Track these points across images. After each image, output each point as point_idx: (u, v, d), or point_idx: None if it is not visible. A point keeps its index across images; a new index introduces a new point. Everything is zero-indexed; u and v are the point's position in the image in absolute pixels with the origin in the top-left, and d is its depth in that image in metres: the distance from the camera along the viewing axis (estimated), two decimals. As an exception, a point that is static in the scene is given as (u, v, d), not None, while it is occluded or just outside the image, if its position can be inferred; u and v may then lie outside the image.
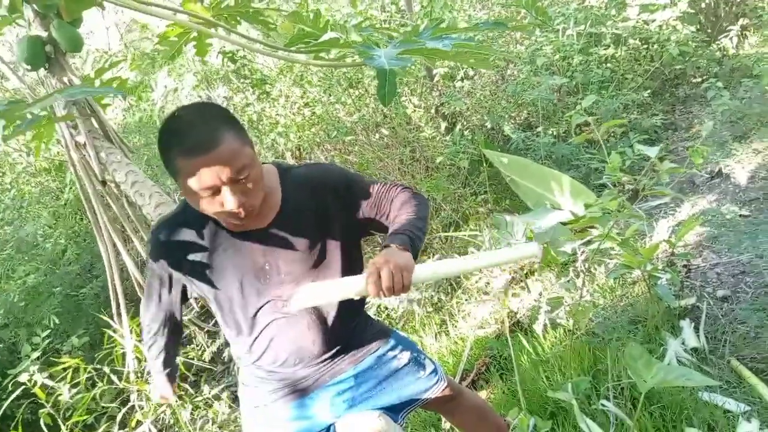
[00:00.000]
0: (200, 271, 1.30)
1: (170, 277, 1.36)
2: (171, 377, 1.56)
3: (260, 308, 1.31)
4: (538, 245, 1.19)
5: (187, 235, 1.29)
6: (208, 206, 1.15)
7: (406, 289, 1.12)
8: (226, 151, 1.09)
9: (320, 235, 1.32)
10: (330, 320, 1.35)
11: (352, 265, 1.38)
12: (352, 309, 1.39)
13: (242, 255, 1.28)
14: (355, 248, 1.40)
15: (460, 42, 1.42)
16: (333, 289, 1.20)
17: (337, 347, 1.40)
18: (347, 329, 1.41)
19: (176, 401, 1.69)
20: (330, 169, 1.40)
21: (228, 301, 1.32)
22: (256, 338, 1.34)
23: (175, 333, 1.51)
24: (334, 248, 1.33)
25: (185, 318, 2.79)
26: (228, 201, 1.12)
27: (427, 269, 1.21)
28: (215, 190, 1.11)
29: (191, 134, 1.08)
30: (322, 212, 1.31)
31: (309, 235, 1.30)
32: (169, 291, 1.39)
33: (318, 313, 1.34)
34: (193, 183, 1.10)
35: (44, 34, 1.98)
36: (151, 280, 1.41)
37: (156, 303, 1.42)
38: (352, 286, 1.17)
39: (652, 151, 2.05)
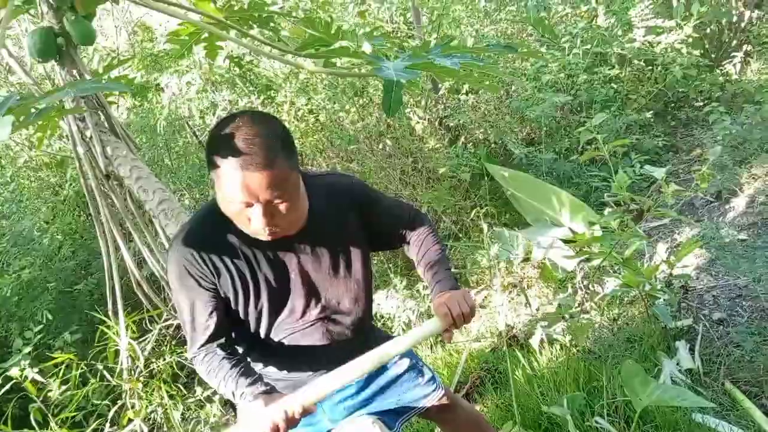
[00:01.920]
0: (225, 283, 1.24)
1: (203, 295, 1.24)
2: (267, 390, 1.24)
3: (283, 318, 1.31)
4: (440, 321, 1.29)
5: (208, 246, 1.22)
6: (236, 217, 1.14)
7: (472, 316, 1.29)
8: (273, 175, 1.07)
9: (342, 245, 1.33)
10: (343, 330, 1.37)
11: (369, 276, 1.40)
12: (362, 318, 1.41)
13: (268, 265, 1.26)
14: (369, 260, 1.42)
15: (469, 62, 1.43)
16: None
17: (346, 357, 1.39)
18: (358, 339, 1.41)
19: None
20: (353, 182, 1.41)
21: (255, 312, 1.28)
22: (271, 347, 1.34)
23: (234, 349, 1.33)
24: (355, 259, 1.35)
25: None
26: (256, 221, 1.12)
27: (347, 374, 1.21)
28: (248, 205, 1.11)
29: (246, 145, 1.05)
30: (343, 223, 1.33)
31: (332, 245, 1.31)
32: (208, 311, 1.24)
33: (332, 324, 1.35)
34: (230, 193, 1.08)
35: (56, 27, 1.98)
36: (184, 311, 1.26)
37: (199, 330, 1.26)
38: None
39: (659, 173, 2.07)
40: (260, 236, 1.17)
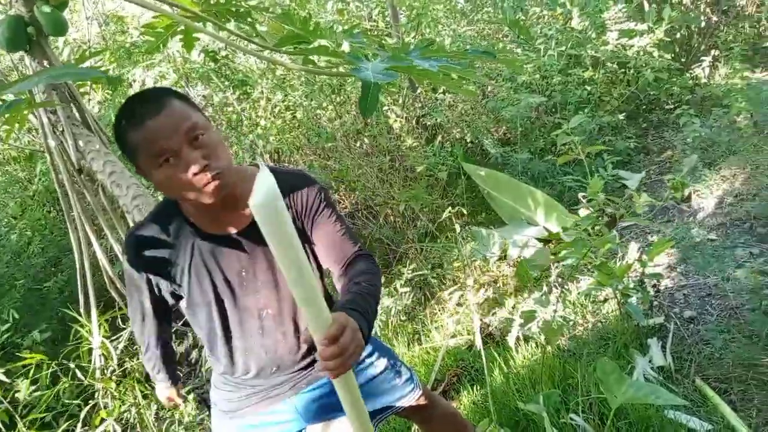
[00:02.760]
0: (176, 275, 1.26)
1: (148, 283, 1.30)
2: (173, 382, 1.57)
3: (236, 315, 1.28)
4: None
5: (162, 238, 1.25)
6: (178, 183, 1.10)
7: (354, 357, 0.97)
8: (173, 112, 1.08)
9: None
10: (306, 328, 1.33)
11: (318, 276, 1.35)
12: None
13: (219, 259, 1.25)
14: (317, 261, 1.35)
15: (447, 65, 1.43)
16: None
17: (315, 354, 1.38)
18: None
19: (182, 403, 1.66)
20: (311, 183, 1.32)
21: (203, 306, 1.28)
22: (232, 346, 1.32)
23: (167, 340, 1.49)
24: (307, 257, 1.31)
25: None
26: (192, 160, 1.08)
27: None
28: (174, 155, 1.08)
29: (138, 107, 1.08)
30: (298, 221, 1.29)
31: None
32: (150, 299, 1.34)
33: (294, 322, 1.31)
34: (149, 152, 1.08)
35: (26, 16, 1.92)
36: (129, 289, 1.36)
37: (140, 314, 1.38)
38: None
39: (632, 182, 2.11)
40: (209, 187, 1.10)
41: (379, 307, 1.31)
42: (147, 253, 1.26)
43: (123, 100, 1.16)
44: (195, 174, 1.08)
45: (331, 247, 1.29)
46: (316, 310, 0.95)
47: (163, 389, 1.56)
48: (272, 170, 1.32)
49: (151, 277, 1.28)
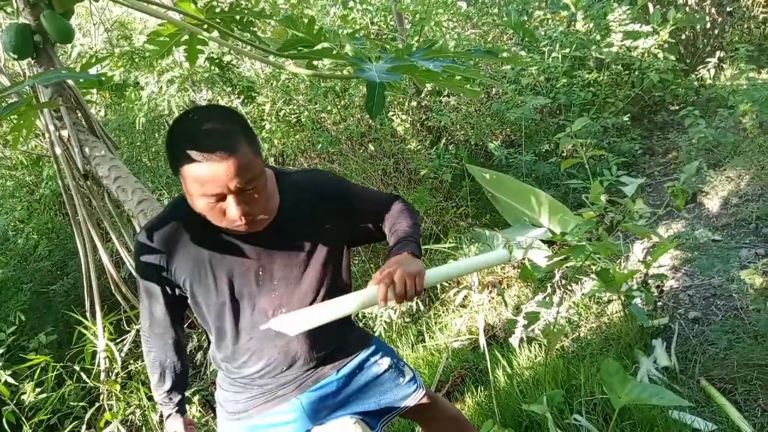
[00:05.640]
0: (190, 276, 1.25)
1: (161, 284, 1.28)
2: (180, 411, 1.47)
3: (250, 315, 1.29)
4: (507, 251, 1.33)
5: (177, 237, 1.24)
6: (210, 212, 1.13)
7: (418, 294, 1.18)
8: (239, 162, 1.06)
9: (315, 242, 1.31)
10: (321, 327, 1.34)
11: (343, 273, 1.37)
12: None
13: (235, 259, 1.25)
14: (347, 256, 1.40)
15: (451, 65, 1.44)
16: (337, 306, 1.18)
17: (325, 353, 1.39)
18: (336, 335, 1.40)
19: None
20: (328, 177, 1.39)
21: (218, 306, 1.28)
22: (244, 345, 1.32)
23: (179, 355, 1.41)
24: (327, 256, 1.32)
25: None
26: (232, 211, 1.11)
27: (435, 274, 1.27)
28: (220, 198, 1.10)
29: (205, 139, 1.05)
30: (318, 219, 1.31)
31: (304, 241, 1.30)
32: (164, 301, 1.30)
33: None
34: (199, 188, 1.08)
35: (33, 24, 1.95)
36: (142, 295, 1.33)
37: (152, 323, 1.35)
38: (359, 299, 1.18)
39: (630, 188, 2.12)
40: (237, 227, 1.16)
41: (419, 222, 1.43)
42: (158, 254, 1.24)
43: (183, 112, 1.12)
44: (231, 219, 1.13)
45: (371, 222, 1.41)
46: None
47: (169, 416, 1.47)
48: (288, 173, 1.36)
49: (164, 277, 1.27)
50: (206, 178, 1.06)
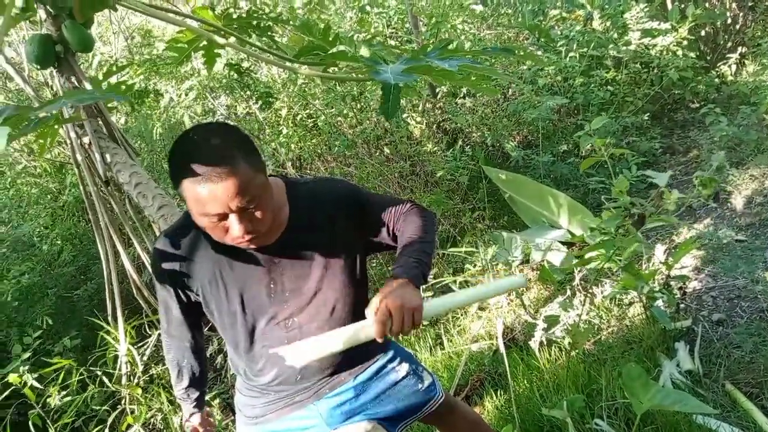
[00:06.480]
0: (204, 285, 1.27)
1: (176, 292, 1.31)
2: (198, 406, 1.53)
3: (263, 325, 1.30)
4: (524, 277, 1.27)
5: (191, 247, 1.26)
6: (213, 230, 1.14)
7: (416, 328, 1.16)
8: (237, 182, 1.06)
9: (327, 252, 1.30)
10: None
11: (357, 283, 1.36)
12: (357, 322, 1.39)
13: (247, 270, 1.26)
14: (361, 265, 1.38)
15: (467, 64, 1.42)
16: (338, 337, 1.19)
17: (342, 361, 1.39)
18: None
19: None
20: (339, 186, 1.37)
21: (230, 315, 1.29)
22: (258, 355, 1.33)
23: (196, 357, 1.45)
24: (340, 266, 1.32)
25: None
26: (234, 229, 1.11)
27: (436, 306, 1.24)
28: (222, 217, 1.10)
29: (203, 159, 1.05)
30: (330, 229, 1.30)
31: (316, 252, 1.29)
32: (180, 309, 1.34)
33: (321, 330, 1.31)
34: (199, 208, 1.08)
35: (54, 34, 1.99)
36: (159, 299, 1.37)
37: (169, 325, 1.38)
38: (359, 332, 1.19)
39: (661, 179, 2.06)
40: (240, 245, 1.17)
41: (433, 234, 1.37)
42: (173, 261, 1.26)
43: (183, 132, 1.12)
44: (234, 238, 1.14)
45: (387, 229, 1.37)
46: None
47: (189, 412, 1.54)
48: (298, 182, 1.36)
49: (179, 283, 1.29)
50: (206, 198, 1.06)
